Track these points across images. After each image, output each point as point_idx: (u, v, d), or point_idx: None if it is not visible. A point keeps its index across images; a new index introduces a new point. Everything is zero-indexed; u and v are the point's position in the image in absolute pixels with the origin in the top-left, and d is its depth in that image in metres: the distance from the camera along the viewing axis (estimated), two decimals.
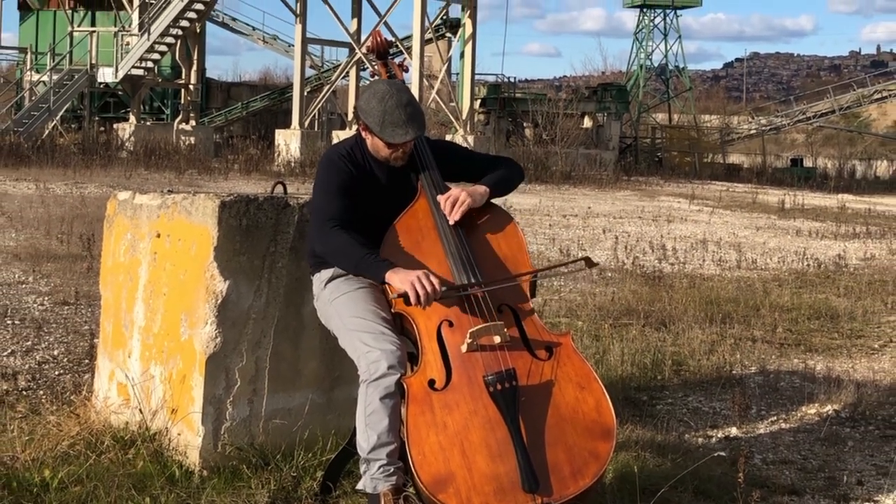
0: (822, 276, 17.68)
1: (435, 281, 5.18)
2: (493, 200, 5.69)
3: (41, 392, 7.83)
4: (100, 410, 6.61)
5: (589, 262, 5.78)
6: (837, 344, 11.91)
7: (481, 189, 5.58)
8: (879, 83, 64.75)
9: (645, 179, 46.54)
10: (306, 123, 44.71)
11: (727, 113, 72.40)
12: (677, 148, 59.62)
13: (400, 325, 5.36)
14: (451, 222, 5.45)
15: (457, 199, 5.46)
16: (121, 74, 44.06)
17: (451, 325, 5.23)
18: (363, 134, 5.62)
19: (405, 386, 5.09)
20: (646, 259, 18.72)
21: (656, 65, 62.89)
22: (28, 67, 50.37)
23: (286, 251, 6.10)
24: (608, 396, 5.23)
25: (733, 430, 8.01)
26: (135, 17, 45.19)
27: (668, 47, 61.86)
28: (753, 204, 35.38)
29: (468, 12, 44.39)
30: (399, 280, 5.20)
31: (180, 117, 48.36)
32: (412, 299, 5.14)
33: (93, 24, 49.29)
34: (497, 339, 5.21)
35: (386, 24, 43.49)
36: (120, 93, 48.57)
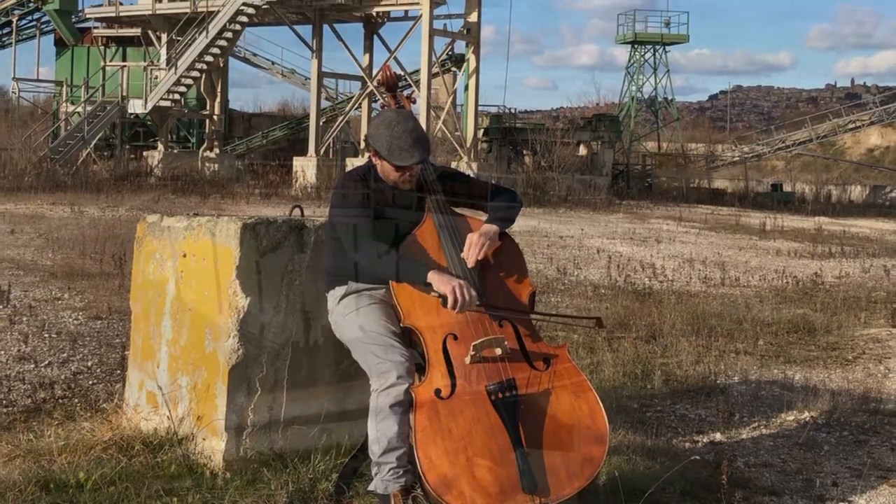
0: (801, 292, 17.68)
1: (473, 293, 5.23)
2: None
3: (76, 400, 7.84)
4: (130, 417, 6.62)
5: (599, 323, 5.85)
6: (814, 356, 11.91)
7: (494, 229, 5.60)
8: (853, 114, 64.77)
9: (636, 203, 46.48)
10: (322, 151, 44.71)
11: (712, 141, 72.27)
12: (666, 174, 59.54)
13: (408, 339, 5.37)
14: (471, 265, 5.47)
15: (479, 246, 5.49)
16: (150, 106, 44.11)
17: (455, 338, 5.24)
18: (373, 159, 5.65)
19: (413, 395, 5.10)
20: (637, 277, 18.72)
21: (646, 97, 62.84)
22: (64, 99, 50.44)
23: (303, 269, 6.12)
24: (601, 404, 5.24)
25: (718, 436, 8.01)
26: (163, 52, 45.30)
27: (658, 81, 61.84)
28: (736, 226, 35.33)
29: (472, 48, 44.44)
30: (441, 282, 5.24)
31: (205, 145, 48.43)
32: (450, 303, 5.17)
33: (124, 59, 49.37)
34: (498, 352, 5.23)
35: (395, 59, 43.54)
36: (149, 123, 48.62)
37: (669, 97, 63.50)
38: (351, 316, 5.48)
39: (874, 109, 62.82)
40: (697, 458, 7.04)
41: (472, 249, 5.48)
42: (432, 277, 5.27)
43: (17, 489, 5.46)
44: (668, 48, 61.43)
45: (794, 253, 26.04)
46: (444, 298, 5.21)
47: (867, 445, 7.88)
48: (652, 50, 61.17)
